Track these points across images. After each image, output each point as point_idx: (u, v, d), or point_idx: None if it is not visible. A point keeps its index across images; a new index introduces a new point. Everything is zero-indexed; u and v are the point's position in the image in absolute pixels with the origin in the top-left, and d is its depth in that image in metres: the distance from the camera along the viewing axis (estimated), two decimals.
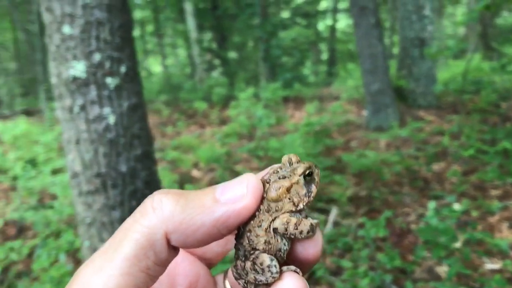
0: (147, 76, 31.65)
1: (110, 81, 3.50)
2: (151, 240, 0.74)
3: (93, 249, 3.66)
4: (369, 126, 11.77)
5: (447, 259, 4.90)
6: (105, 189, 3.55)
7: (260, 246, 0.84)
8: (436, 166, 8.50)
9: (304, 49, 23.02)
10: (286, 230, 0.83)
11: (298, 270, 0.85)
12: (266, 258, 0.83)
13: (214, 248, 1.00)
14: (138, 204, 3.55)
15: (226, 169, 9.66)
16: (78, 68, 3.41)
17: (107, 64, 3.47)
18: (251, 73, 24.08)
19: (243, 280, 0.87)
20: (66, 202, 7.48)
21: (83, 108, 3.48)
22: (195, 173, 10.03)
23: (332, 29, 28.17)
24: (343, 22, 30.56)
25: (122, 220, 3.59)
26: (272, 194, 0.83)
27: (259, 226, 0.83)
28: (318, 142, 9.93)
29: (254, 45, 24.43)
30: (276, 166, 0.92)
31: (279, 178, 0.86)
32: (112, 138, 3.54)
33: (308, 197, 0.87)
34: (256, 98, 14.58)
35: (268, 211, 0.84)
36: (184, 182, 9.20)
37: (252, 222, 0.84)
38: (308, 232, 0.84)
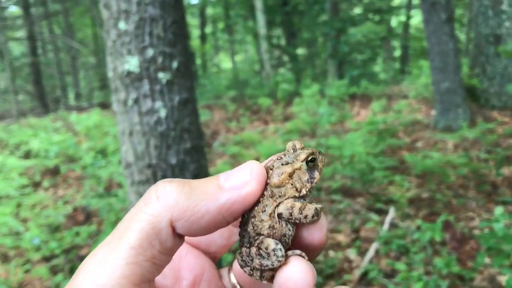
0: (217, 72, 32.24)
1: (162, 76, 3.62)
2: (156, 228, 0.74)
3: None
4: (437, 126, 11.31)
5: (510, 269, 4.62)
6: (155, 179, 3.68)
7: (265, 231, 0.84)
8: (507, 170, 8.02)
9: (376, 46, 22.45)
10: (290, 215, 0.83)
11: (303, 254, 0.84)
12: (271, 242, 0.83)
13: (218, 241, 1.00)
14: None
15: None
16: (132, 63, 3.56)
17: (160, 60, 3.59)
18: (319, 70, 23.88)
19: (249, 268, 0.87)
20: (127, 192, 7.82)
21: (136, 101, 3.63)
22: None
23: (406, 25, 27.30)
24: (417, 18, 29.48)
25: None
26: (275, 180, 0.84)
27: (263, 211, 0.84)
28: (381, 142, 9.68)
29: (323, 41, 24.18)
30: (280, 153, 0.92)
31: (282, 164, 0.86)
32: (163, 131, 3.66)
33: (311, 183, 0.87)
34: (321, 95, 14.44)
35: (272, 196, 0.84)
36: None
37: (256, 208, 0.84)
38: (313, 217, 0.83)
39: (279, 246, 0.82)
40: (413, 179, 8.14)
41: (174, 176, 3.69)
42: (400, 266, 5.45)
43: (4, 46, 19.08)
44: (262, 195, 0.84)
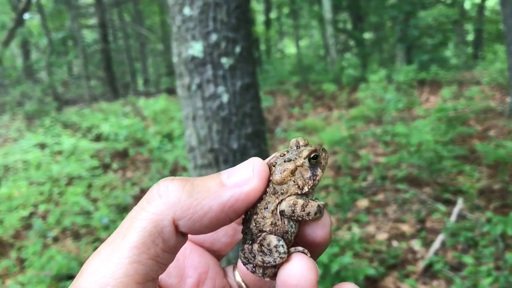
0: (280, 57, 32.12)
1: (225, 61, 3.63)
2: (158, 226, 0.74)
3: None
4: None
5: None
6: (217, 164, 3.72)
7: (267, 227, 0.83)
8: None
9: (447, 30, 21.42)
10: (293, 212, 0.82)
11: (305, 250, 0.84)
12: (273, 239, 0.83)
13: (222, 239, 0.99)
14: None
15: (349, 153, 9.49)
16: (196, 48, 3.59)
17: (223, 45, 3.60)
18: (386, 55, 23.18)
19: (251, 265, 0.87)
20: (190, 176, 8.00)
21: (199, 86, 3.67)
22: None
23: (480, 7, 25.83)
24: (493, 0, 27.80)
25: None
26: (277, 176, 0.83)
27: (266, 208, 0.83)
28: (451, 130, 9.26)
29: (391, 25, 23.39)
30: (283, 150, 0.91)
31: (285, 161, 0.86)
32: (225, 116, 3.68)
33: (313, 180, 0.86)
34: (388, 81, 14.02)
35: (274, 193, 0.84)
36: None
37: (258, 204, 0.84)
38: (315, 214, 0.83)
39: (281, 242, 0.82)
40: (484, 169, 7.74)
41: (235, 160, 3.72)
42: (468, 259, 5.22)
43: (78, 34, 19.98)
44: (265, 192, 0.83)
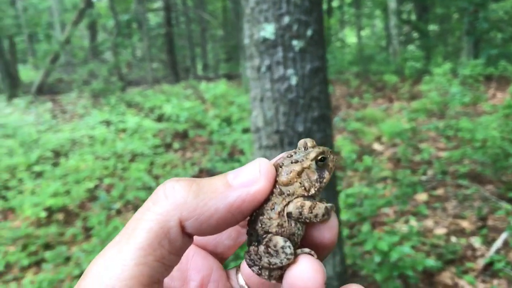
0: (341, 46, 31.66)
1: (296, 44, 3.66)
2: (165, 227, 0.73)
3: None
4: None
5: None
6: (282, 145, 3.78)
7: (273, 229, 0.82)
8: None
9: None
10: (300, 214, 0.81)
11: (312, 252, 0.82)
12: (279, 240, 0.81)
13: (225, 242, 0.98)
14: None
15: (409, 145, 9.30)
16: (268, 30, 3.64)
17: (295, 27, 3.63)
18: (451, 48, 22.34)
19: (257, 267, 0.85)
20: (252, 158, 8.11)
21: (269, 68, 3.73)
22: (377, 146, 9.89)
23: None
24: None
25: None
26: (283, 178, 0.82)
27: (272, 209, 0.82)
28: None
29: (459, 17, 22.48)
30: (291, 151, 0.89)
31: (292, 163, 0.84)
32: (292, 98, 3.72)
33: (320, 183, 0.85)
34: (453, 75, 13.55)
35: (281, 194, 0.83)
36: (363, 154, 9.16)
37: (265, 205, 0.82)
38: (323, 216, 0.81)
39: (288, 243, 0.80)
40: None
41: None
42: None
43: (143, 16, 20.54)
44: (271, 193, 0.82)
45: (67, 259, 6.44)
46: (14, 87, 19.12)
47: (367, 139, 10.11)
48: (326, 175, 0.85)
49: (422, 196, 7.21)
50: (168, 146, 10.20)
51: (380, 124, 10.65)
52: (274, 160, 0.87)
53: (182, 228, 0.74)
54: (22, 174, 8.54)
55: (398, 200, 6.99)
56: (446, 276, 5.18)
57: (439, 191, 7.34)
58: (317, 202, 0.82)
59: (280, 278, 0.83)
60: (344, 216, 6.51)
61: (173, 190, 0.75)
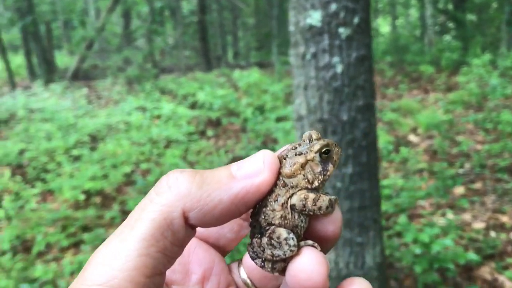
0: (374, 36, 31.16)
1: (342, 31, 3.62)
2: (168, 218, 0.72)
3: None
4: None
5: None
6: (325, 134, 3.76)
7: (276, 220, 0.82)
8: None
9: None
10: (304, 206, 0.81)
11: (316, 244, 0.82)
12: (282, 231, 0.81)
13: (227, 235, 0.97)
14: (354, 153, 3.66)
15: (446, 138, 9.13)
16: (315, 17, 3.61)
17: (342, 14, 3.59)
18: (490, 38, 21.72)
19: (260, 259, 0.85)
20: (282, 145, 8.11)
21: (314, 56, 3.70)
22: (412, 137, 9.74)
23: None
24: None
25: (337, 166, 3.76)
26: (286, 170, 0.82)
27: (276, 201, 0.82)
28: None
29: (498, 6, 21.82)
30: (295, 143, 0.89)
31: (296, 155, 0.84)
32: (337, 86, 3.69)
33: (323, 176, 0.84)
34: (492, 66, 13.20)
35: (284, 186, 0.82)
36: (399, 145, 9.04)
37: (268, 197, 0.82)
38: (327, 208, 0.81)
39: (291, 235, 0.80)
40: None
41: (344, 132, 3.73)
42: None
43: (177, 4, 20.63)
44: (275, 184, 0.82)
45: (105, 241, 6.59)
46: (50, 73, 19.55)
47: (403, 130, 9.96)
48: (330, 168, 0.85)
49: (459, 190, 7.08)
50: (201, 133, 10.28)
51: (415, 115, 10.48)
52: (278, 152, 0.87)
53: (186, 219, 0.74)
54: (61, 158, 8.74)
55: (435, 193, 6.88)
56: (485, 271, 5.09)
57: (477, 185, 7.19)
58: (321, 195, 0.82)
59: (283, 271, 0.82)
60: (381, 207, 6.45)
61: (177, 181, 0.75)
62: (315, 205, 0.80)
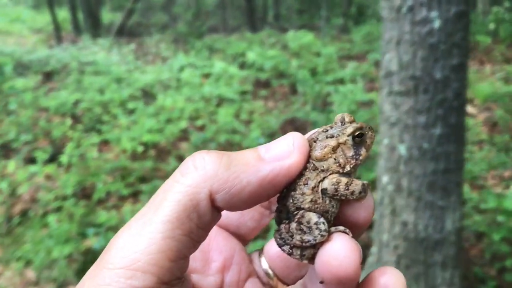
0: None
1: None
2: (194, 200, 0.70)
3: (390, 147, 3.86)
4: None
5: None
6: (416, 92, 3.63)
7: (306, 205, 0.79)
8: None
9: None
10: (336, 191, 0.78)
11: (347, 230, 0.78)
12: (313, 216, 0.78)
13: (248, 223, 0.95)
14: (444, 113, 3.52)
15: (508, 111, 8.81)
16: None
17: None
18: None
19: (288, 246, 0.81)
20: (341, 110, 7.98)
21: (410, 9, 3.54)
22: (470, 109, 9.44)
23: None
24: None
25: (425, 126, 3.65)
26: (317, 153, 0.79)
27: (306, 185, 0.79)
28: None
29: None
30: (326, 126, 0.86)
31: (327, 137, 0.81)
32: (433, 43, 3.53)
33: (356, 160, 0.81)
34: None
35: (314, 169, 0.79)
36: None
37: (298, 181, 0.79)
38: (360, 193, 0.77)
39: (322, 219, 0.77)
40: None
41: (436, 91, 3.59)
42: None
43: None
44: (304, 168, 0.79)
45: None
46: (96, 28, 19.66)
47: None
48: (363, 152, 0.82)
49: None
50: (252, 94, 10.20)
51: (472, 87, 10.12)
52: (307, 135, 0.84)
53: (212, 201, 0.72)
54: (116, 110, 8.84)
55: (496, 166, 6.69)
56: None
57: None
58: (354, 179, 0.79)
59: (312, 258, 0.79)
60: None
61: (203, 162, 0.72)
62: (348, 189, 0.77)
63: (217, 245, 0.93)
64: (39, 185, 6.93)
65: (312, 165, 0.80)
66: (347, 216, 0.81)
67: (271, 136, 7.76)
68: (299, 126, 8.46)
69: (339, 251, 0.74)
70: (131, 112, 8.89)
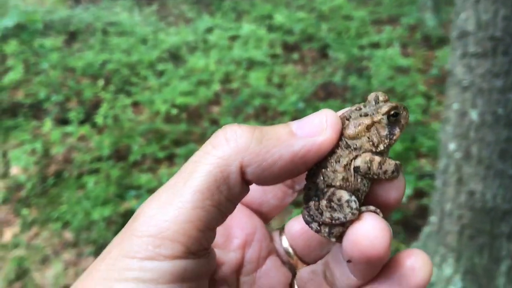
0: None
1: None
2: (225, 172, 0.70)
3: (461, 113, 3.68)
4: None
5: None
6: (494, 54, 3.41)
7: (337, 182, 0.78)
8: None
9: None
10: (369, 169, 0.78)
11: (378, 210, 0.78)
12: (344, 193, 0.77)
13: (271, 201, 0.95)
14: None
15: None
16: None
17: None
18: None
19: (316, 223, 0.81)
20: (379, 75, 7.76)
21: None
22: None
23: None
24: None
25: (501, 90, 3.46)
26: (350, 130, 0.79)
27: (337, 162, 0.79)
28: None
29: None
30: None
31: (361, 116, 0.81)
32: None
33: (390, 140, 0.81)
34: None
35: (347, 147, 0.79)
36: None
37: (329, 158, 0.79)
38: (392, 173, 0.77)
39: (353, 197, 0.77)
40: None
41: None
42: None
43: None
44: (337, 145, 0.79)
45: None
46: None
47: None
48: (397, 131, 0.81)
49: None
50: (281, 57, 9.94)
51: None
52: (340, 112, 0.84)
53: (242, 174, 0.72)
54: (144, 72, 8.65)
55: None
56: None
57: None
58: (387, 158, 0.79)
59: (340, 237, 0.78)
60: None
61: (235, 134, 0.73)
62: (381, 168, 0.77)
63: (239, 222, 0.93)
64: (73, 146, 6.84)
65: (344, 143, 0.79)
66: (378, 195, 0.81)
67: (307, 101, 7.56)
68: (335, 91, 8.25)
69: (370, 231, 0.73)
70: (161, 74, 8.69)
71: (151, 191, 5.86)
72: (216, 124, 7.19)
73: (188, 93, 7.67)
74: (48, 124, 6.99)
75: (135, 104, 7.93)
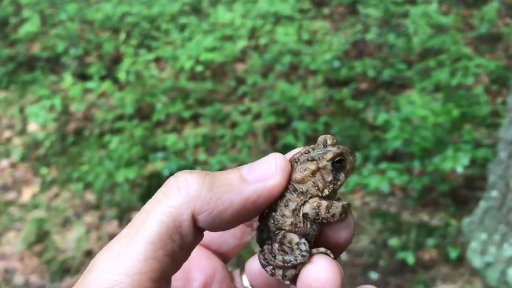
0: None
1: None
2: (177, 221, 0.69)
3: None
4: None
5: None
6: None
7: (286, 227, 0.79)
8: None
9: None
10: (317, 215, 0.78)
11: (329, 252, 0.78)
12: (294, 236, 0.78)
13: (230, 241, 0.95)
14: None
15: None
16: None
17: None
18: None
19: (271, 266, 0.82)
20: (418, 33, 7.27)
21: None
22: None
23: None
24: None
25: None
26: (297, 175, 0.78)
27: (286, 206, 0.79)
28: None
29: None
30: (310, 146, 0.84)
31: (308, 160, 0.80)
32: None
33: (334, 185, 0.80)
34: None
35: (294, 191, 0.79)
36: None
37: (279, 201, 0.79)
38: (340, 215, 0.78)
39: (303, 240, 0.78)
40: None
41: None
42: None
43: None
44: (285, 189, 0.79)
45: (223, 117, 6.25)
46: None
47: None
48: (342, 177, 0.81)
49: None
50: (309, 12, 9.39)
51: None
52: (289, 155, 0.84)
53: (194, 222, 0.71)
54: (166, 25, 8.19)
55: None
56: None
57: None
58: (334, 201, 0.79)
59: (294, 279, 0.79)
60: None
61: (186, 182, 0.71)
62: (329, 212, 0.77)
63: (198, 264, 0.92)
64: (93, 102, 6.53)
65: (292, 186, 0.79)
66: (328, 237, 0.82)
67: (340, 59, 7.10)
68: (368, 50, 7.78)
69: (320, 273, 0.74)
70: (182, 28, 8.22)
71: (177, 153, 5.57)
72: (243, 83, 6.80)
73: (213, 49, 7.23)
74: (68, 79, 6.64)
75: (157, 60, 7.54)
